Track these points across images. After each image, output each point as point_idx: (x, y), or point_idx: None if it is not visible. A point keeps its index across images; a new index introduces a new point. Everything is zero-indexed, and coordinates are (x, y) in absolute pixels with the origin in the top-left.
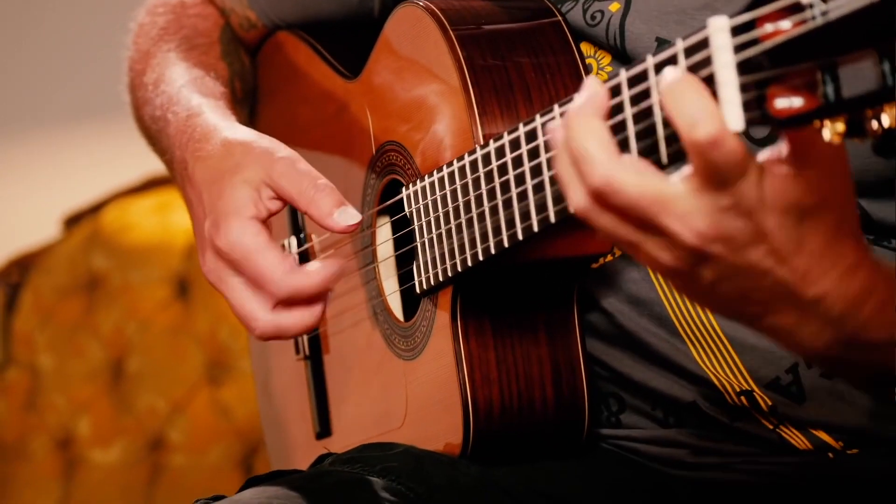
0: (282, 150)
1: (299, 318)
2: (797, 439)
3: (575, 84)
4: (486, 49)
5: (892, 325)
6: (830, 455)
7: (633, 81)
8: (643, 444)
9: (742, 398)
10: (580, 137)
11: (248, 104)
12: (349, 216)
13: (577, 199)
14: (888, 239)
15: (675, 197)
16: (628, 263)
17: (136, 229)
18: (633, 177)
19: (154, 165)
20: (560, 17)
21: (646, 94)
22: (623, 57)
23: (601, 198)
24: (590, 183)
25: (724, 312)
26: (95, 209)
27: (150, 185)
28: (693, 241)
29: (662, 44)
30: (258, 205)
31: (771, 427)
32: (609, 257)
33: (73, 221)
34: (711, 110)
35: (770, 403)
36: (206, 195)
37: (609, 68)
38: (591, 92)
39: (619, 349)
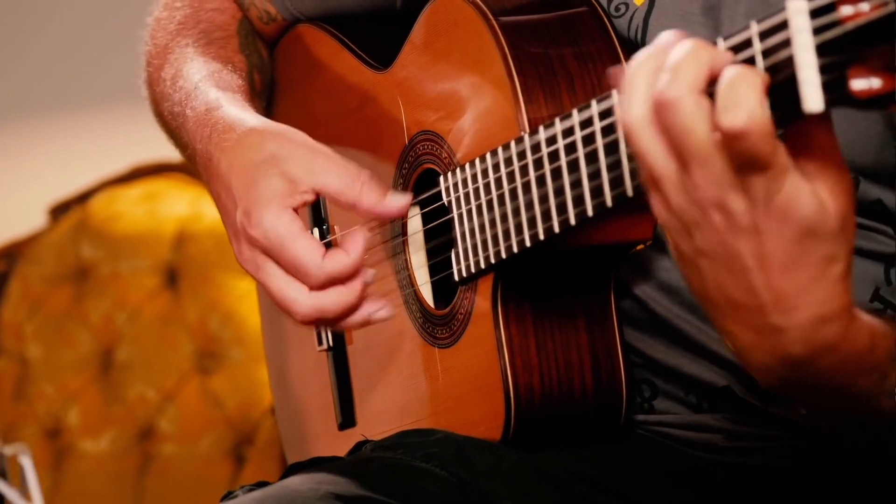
0: (317, 144)
1: (337, 297)
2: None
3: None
4: (529, 37)
5: (844, 379)
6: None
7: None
8: (677, 429)
9: None
10: (684, 53)
11: (265, 97)
12: (400, 198)
13: (635, 110)
14: None
15: (711, 153)
16: (660, 252)
17: (124, 218)
18: (699, 111)
19: (141, 154)
20: (597, 4)
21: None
22: None
23: (660, 109)
24: (661, 91)
25: (699, 295)
26: (83, 198)
27: (137, 174)
28: (701, 197)
29: None
30: (293, 196)
31: (804, 412)
32: (641, 246)
33: (60, 210)
34: (748, 103)
35: None
36: (236, 184)
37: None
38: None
39: (651, 335)
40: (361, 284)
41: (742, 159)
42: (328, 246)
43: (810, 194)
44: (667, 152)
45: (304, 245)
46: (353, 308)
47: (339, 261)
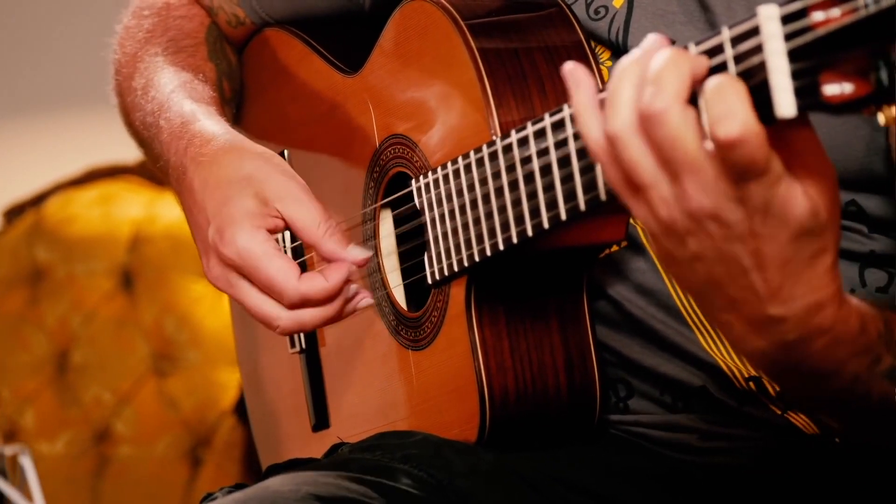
0: (294, 173)
1: (320, 312)
2: (804, 424)
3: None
4: (499, 41)
5: (836, 363)
6: (836, 439)
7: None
8: (651, 429)
9: (750, 384)
10: (663, 63)
11: (235, 103)
12: (359, 252)
13: (622, 118)
14: (879, 231)
15: (703, 163)
16: (635, 254)
17: (79, 221)
18: (686, 121)
19: (95, 157)
20: (563, 4)
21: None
22: (622, 54)
23: (648, 122)
24: (648, 104)
25: (691, 291)
26: (37, 201)
27: (91, 177)
28: (695, 208)
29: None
30: (264, 217)
31: (779, 412)
32: (615, 247)
33: (14, 213)
34: (740, 113)
35: (778, 389)
36: (210, 201)
37: (609, 63)
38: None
39: (626, 336)
40: (342, 301)
41: (738, 168)
42: (300, 249)
43: (803, 195)
44: (656, 164)
45: (278, 265)
46: (333, 319)
47: (316, 284)
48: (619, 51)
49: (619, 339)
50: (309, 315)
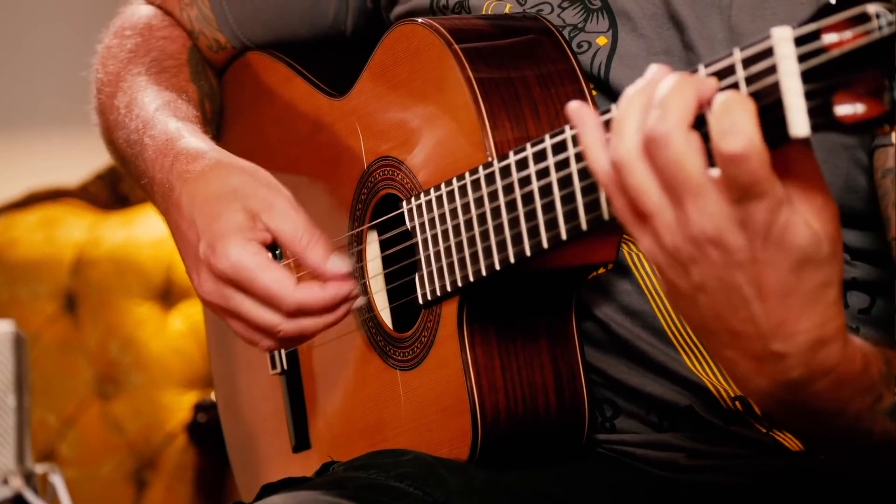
0: (280, 186)
1: (322, 319)
2: (790, 441)
3: (577, 94)
4: (492, 64)
5: (840, 402)
6: (822, 457)
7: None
8: (638, 447)
9: (737, 403)
10: (669, 88)
11: (215, 124)
12: (340, 263)
13: (628, 144)
14: (860, 259)
15: (705, 186)
16: (621, 276)
17: (21, 244)
18: (689, 145)
19: (35, 180)
20: (554, 29)
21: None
22: (605, 88)
23: (652, 145)
24: (652, 127)
25: (696, 327)
26: None
27: (32, 200)
28: (697, 233)
29: None
30: (254, 231)
31: (764, 430)
32: (601, 270)
33: None
34: (747, 128)
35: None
36: (199, 217)
37: (594, 92)
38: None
39: (613, 356)
40: (346, 309)
41: (741, 187)
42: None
43: (804, 223)
44: (660, 188)
45: (273, 275)
46: (334, 324)
47: (312, 293)
48: (600, 84)
49: (606, 359)
50: (310, 321)
